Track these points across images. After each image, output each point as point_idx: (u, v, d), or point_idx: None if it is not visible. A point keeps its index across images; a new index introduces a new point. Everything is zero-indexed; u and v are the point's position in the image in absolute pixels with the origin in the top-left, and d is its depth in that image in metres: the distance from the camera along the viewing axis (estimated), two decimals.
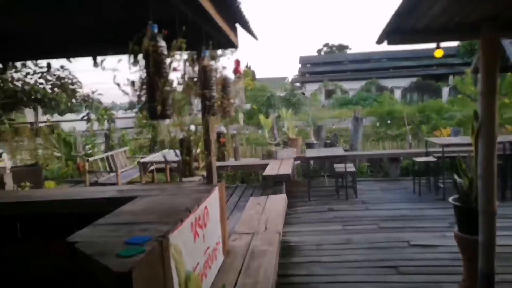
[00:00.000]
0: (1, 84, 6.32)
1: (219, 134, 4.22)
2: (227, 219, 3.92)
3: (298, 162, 8.20)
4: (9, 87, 6.45)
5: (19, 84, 6.59)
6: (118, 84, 2.14)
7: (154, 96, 2.06)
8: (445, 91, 31.97)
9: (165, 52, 2.11)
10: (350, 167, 7.06)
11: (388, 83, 34.03)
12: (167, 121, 2.28)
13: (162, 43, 2.09)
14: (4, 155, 5.43)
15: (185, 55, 2.57)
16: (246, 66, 47.17)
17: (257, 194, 6.98)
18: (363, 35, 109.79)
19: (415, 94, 33.27)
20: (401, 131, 14.54)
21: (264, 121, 8.35)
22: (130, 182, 6.51)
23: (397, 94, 32.20)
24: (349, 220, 5.45)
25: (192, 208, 2.60)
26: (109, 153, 6.66)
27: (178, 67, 2.40)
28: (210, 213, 3.09)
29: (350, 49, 57.16)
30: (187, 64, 2.77)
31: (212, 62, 3.16)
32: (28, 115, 8.64)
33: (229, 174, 8.63)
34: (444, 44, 2.90)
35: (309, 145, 8.39)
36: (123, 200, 2.92)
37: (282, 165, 7.21)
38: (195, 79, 2.93)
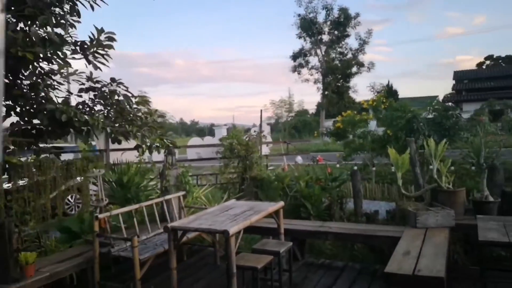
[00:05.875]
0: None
1: None
2: None
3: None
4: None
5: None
6: None
7: None
8: None
9: None
10: None
11: None
12: None
13: None
14: None
15: None
16: (387, 85, 42.49)
17: None
18: None
19: None
20: None
21: (396, 158, 5.07)
22: (158, 256, 4.13)
23: None
24: None
25: None
26: (148, 203, 4.46)
27: None
28: None
29: None
30: None
31: None
32: (100, 141, 7.22)
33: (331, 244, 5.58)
34: None
35: (480, 205, 4.75)
36: None
37: (426, 244, 3.87)
38: None
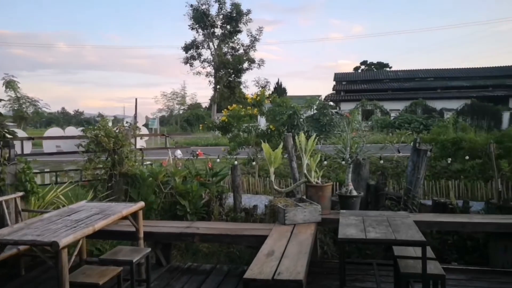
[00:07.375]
0: None
1: None
2: None
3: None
4: None
5: None
6: None
7: None
8: (506, 116, 27.46)
9: None
10: (433, 265, 3.47)
11: (437, 104, 29.73)
12: None
13: None
14: None
15: None
16: (277, 83, 44.22)
17: None
18: (405, 53, 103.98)
19: (469, 119, 28.82)
20: (466, 166, 10.69)
21: (269, 153, 4.92)
22: None
23: (447, 117, 28.05)
24: None
25: None
26: None
27: None
28: None
29: (391, 67, 53.07)
30: None
31: None
32: None
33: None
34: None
35: (345, 199, 4.86)
36: None
37: (291, 242, 3.73)
38: None
